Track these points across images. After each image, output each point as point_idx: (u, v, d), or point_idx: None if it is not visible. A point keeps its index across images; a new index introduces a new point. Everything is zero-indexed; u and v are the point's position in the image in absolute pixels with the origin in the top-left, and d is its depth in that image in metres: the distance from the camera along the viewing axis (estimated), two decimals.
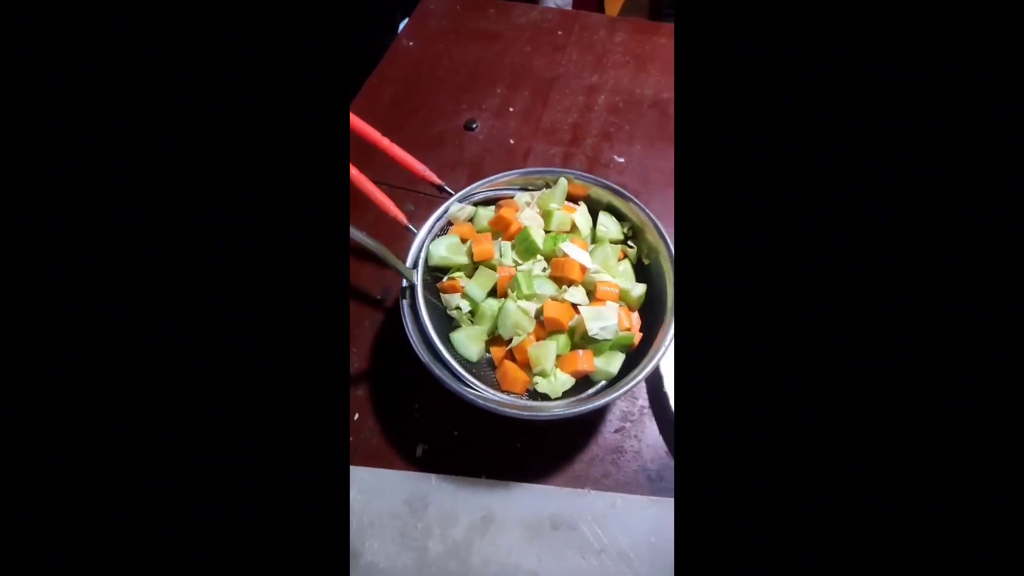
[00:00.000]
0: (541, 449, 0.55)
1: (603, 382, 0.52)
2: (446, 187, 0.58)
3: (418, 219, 0.56)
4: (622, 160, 0.76)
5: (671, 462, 0.55)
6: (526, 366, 0.51)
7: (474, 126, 0.81)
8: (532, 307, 0.52)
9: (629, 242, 0.58)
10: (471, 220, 0.58)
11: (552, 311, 0.50)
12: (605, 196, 0.57)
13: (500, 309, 0.52)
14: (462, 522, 0.52)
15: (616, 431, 0.56)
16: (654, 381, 0.58)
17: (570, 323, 0.51)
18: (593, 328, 0.50)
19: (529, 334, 0.51)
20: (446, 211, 0.56)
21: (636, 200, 0.56)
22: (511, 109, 0.83)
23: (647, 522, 0.51)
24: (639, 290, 0.54)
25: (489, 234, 0.56)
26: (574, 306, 0.52)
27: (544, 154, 0.77)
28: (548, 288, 0.53)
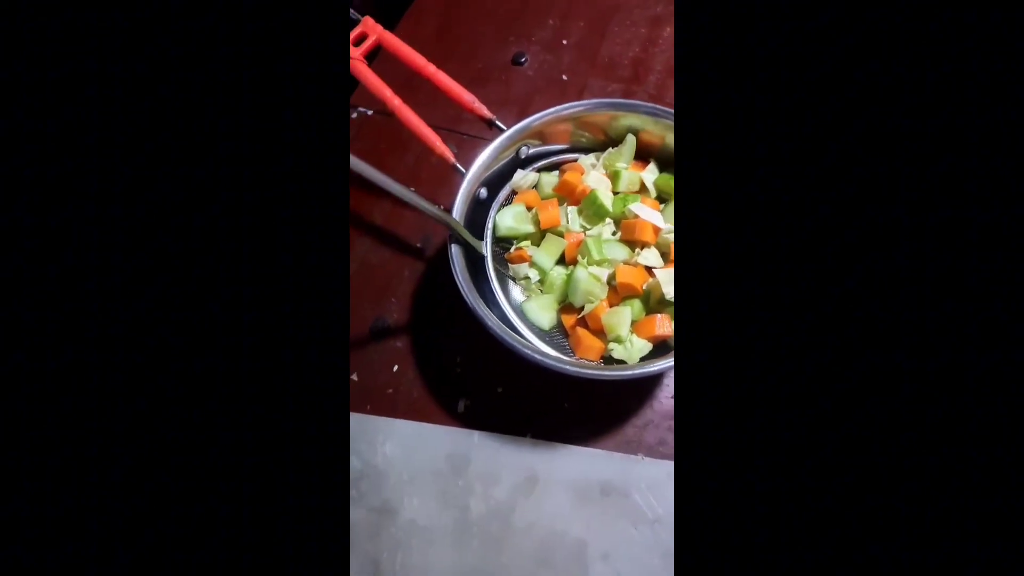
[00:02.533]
0: (590, 412, 0.51)
1: None
2: (497, 121, 0.52)
3: (463, 161, 0.51)
4: None
5: None
6: (600, 333, 0.48)
7: (523, 60, 0.74)
8: (604, 273, 0.49)
9: None
10: (535, 187, 0.55)
11: (625, 276, 0.47)
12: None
13: (570, 277, 0.49)
14: (505, 482, 0.49)
15: (673, 396, 0.52)
16: None
17: (644, 287, 0.48)
18: (670, 291, 0.46)
19: (602, 300, 0.49)
20: (499, 149, 0.51)
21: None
22: (564, 42, 0.75)
23: None
24: None
25: (555, 200, 0.53)
26: (648, 269, 0.48)
27: (601, 91, 0.70)
28: (620, 252, 0.50)
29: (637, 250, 0.50)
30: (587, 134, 0.54)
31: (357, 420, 0.52)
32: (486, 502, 0.48)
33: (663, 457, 0.49)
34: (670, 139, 0.52)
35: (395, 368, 0.55)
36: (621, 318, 0.47)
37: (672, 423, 0.50)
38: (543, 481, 0.49)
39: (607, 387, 0.52)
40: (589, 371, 0.43)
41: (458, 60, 0.74)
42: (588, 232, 0.51)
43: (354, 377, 0.55)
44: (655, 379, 0.53)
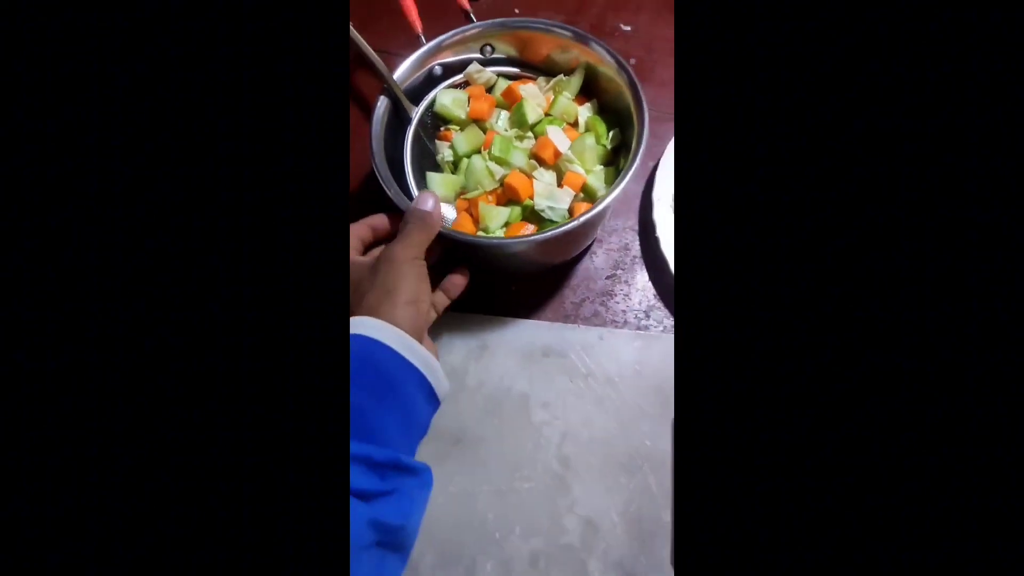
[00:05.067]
0: (535, 292, 0.58)
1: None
2: (472, 15, 0.57)
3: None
4: (628, 28, 0.75)
5: (658, 304, 0.58)
6: (477, 222, 0.53)
7: None
8: (499, 171, 0.53)
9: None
10: (489, 89, 0.59)
11: (515, 180, 0.52)
12: (613, 85, 0.53)
13: (469, 161, 0.54)
14: (458, 350, 0.55)
15: (608, 277, 0.59)
16: (646, 231, 0.60)
17: (527, 200, 0.53)
18: (541, 204, 0.52)
19: (487, 193, 0.53)
20: (467, 34, 0.56)
21: (628, 68, 0.52)
22: None
23: (632, 353, 0.55)
24: (603, 191, 0.53)
25: (492, 99, 0.58)
26: None
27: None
28: (520, 159, 0.53)
29: (535, 165, 0.53)
30: (562, 63, 0.57)
31: None
32: (442, 367, 0.52)
33: (595, 325, 0.57)
34: (624, 96, 0.53)
35: None
36: (497, 214, 0.52)
37: (605, 299, 0.58)
38: (492, 348, 0.55)
39: (550, 272, 0.59)
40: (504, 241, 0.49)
41: None
42: (504, 132, 0.55)
43: None
44: (591, 264, 0.59)
